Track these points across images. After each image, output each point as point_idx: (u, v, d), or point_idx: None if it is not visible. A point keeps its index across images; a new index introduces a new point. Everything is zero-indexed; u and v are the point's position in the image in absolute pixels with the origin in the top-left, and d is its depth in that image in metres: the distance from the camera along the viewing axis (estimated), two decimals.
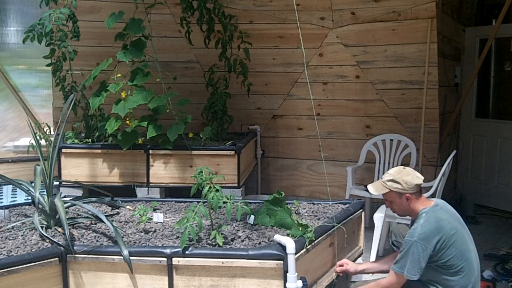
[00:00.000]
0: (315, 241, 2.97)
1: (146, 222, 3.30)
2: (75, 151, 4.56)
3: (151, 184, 4.54)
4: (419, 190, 2.99)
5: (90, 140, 4.68)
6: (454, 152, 4.73)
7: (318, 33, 5.31)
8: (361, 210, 3.69)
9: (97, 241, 3.01)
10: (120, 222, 3.43)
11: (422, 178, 3.01)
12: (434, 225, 2.85)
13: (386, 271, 3.09)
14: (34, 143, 3.57)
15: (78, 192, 4.48)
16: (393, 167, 5.11)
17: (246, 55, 4.97)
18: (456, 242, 2.86)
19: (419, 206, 2.99)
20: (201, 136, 4.86)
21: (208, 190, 2.90)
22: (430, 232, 2.83)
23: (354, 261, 3.57)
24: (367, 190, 4.90)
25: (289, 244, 2.67)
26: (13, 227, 3.24)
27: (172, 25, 5.35)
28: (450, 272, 2.87)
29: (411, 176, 2.97)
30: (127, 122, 4.39)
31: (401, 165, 5.09)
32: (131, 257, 2.78)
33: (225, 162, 4.49)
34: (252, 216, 3.26)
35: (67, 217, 3.07)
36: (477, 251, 3.02)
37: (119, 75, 4.42)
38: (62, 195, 3.69)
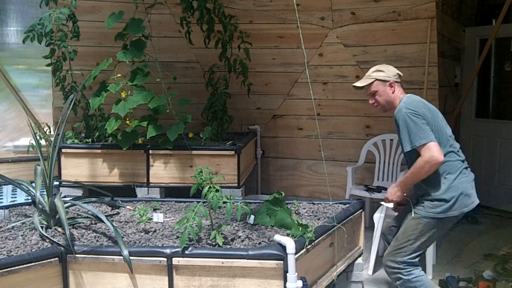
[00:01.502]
0: (315, 241, 2.97)
1: (146, 222, 3.30)
2: (75, 151, 4.56)
3: (151, 184, 4.54)
4: (400, 82, 3.22)
5: (90, 140, 4.68)
6: None
7: (318, 33, 5.31)
8: (361, 210, 3.69)
9: (97, 241, 3.01)
10: (120, 222, 3.43)
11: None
12: (419, 100, 3.08)
13: None
14: (34, 143, 3.56)
15: (78, 192, 4.48)
16: (393, 167, 5.18)
17: (246, 55, 4.97)
18: (436, 123, 3.06)
19: (398, 98, 3.17)
20: (201, 136, 4.85)
21: (208, 190, 2.89)
22: (415, 103, 3.05)
23: (354, 261, 3.57)
24: (367, 190, 4.94)
25: (289, 244, 2.67)
26: (13, 227, 3.24)
27: (172, 25, 5.35)
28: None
29: (392, 67, 3.25)
30: (127, 122, 4.39)
31: (402, 165, 5.13)
32: (131, 257, 2.78)
33: (225, 162, 4.49)
34: (252, 216, 3.26)
35: (67, 217, 3.07)
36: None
37: (119, 75, 4.42)
38: (62, 195, 3.68)
